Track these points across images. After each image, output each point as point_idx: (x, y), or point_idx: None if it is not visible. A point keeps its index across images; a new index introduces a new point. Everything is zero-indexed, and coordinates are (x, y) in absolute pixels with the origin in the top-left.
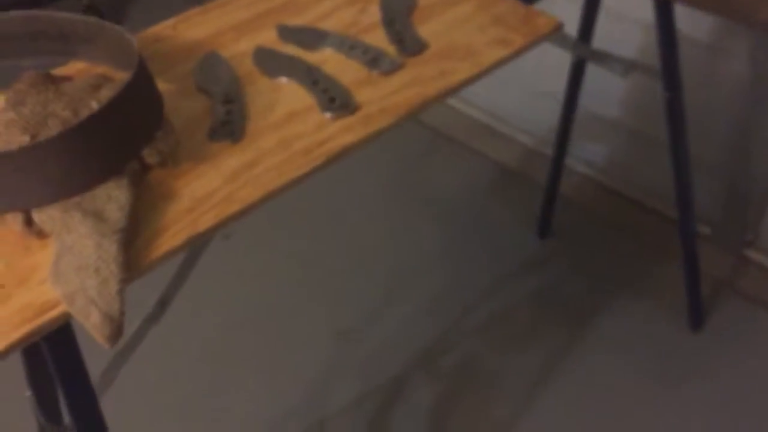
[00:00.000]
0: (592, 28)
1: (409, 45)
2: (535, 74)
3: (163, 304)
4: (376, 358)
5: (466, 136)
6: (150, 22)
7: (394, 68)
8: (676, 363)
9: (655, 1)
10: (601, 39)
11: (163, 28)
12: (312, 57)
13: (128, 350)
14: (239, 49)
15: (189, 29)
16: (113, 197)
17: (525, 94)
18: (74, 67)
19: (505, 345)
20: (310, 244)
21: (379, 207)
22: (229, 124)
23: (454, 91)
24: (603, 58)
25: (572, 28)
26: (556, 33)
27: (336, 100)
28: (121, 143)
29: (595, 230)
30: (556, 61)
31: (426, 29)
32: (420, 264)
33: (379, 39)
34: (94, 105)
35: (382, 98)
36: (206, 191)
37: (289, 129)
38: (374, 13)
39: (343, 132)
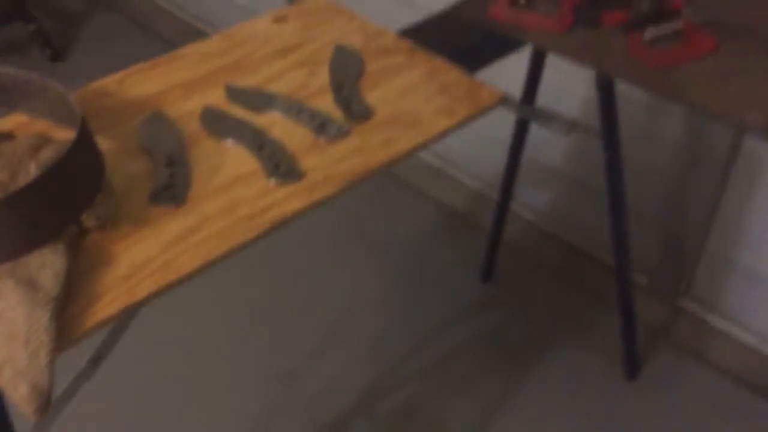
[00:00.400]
0: (536, 89)
1: (357, 111)
2: (484, 119)
3: (96, 360)
4: (317, 402)
5: (414, 178)
6: (99, 48)
7: (340, 135)
8: (611, 412)
9: (597, 80)
10: (545, 92)
11: (110, 82)
12: (259, 120)
13: (59, 407)
14: (186, 108)
15: (136, 84)
16: (48, 263)
17: (474, 138)
18: (15, 120)
19: (447, 390)
20: (254, 284)
21: (325, 248)
22: (172, 187)
23: (398, 160)
24: (546, 119)
25: (518, 83)
26: (499, 104)
27: (281, 166)
28: (59, 210)
29: (537, 276)
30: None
31: (374, 96)
32: (363, 306)
33: (327, 103)
34: (33, 168)
35: (327, 166)
36: (145, 257)
37: (233, 194)
38: (323, 76)
39: (287, 199)
